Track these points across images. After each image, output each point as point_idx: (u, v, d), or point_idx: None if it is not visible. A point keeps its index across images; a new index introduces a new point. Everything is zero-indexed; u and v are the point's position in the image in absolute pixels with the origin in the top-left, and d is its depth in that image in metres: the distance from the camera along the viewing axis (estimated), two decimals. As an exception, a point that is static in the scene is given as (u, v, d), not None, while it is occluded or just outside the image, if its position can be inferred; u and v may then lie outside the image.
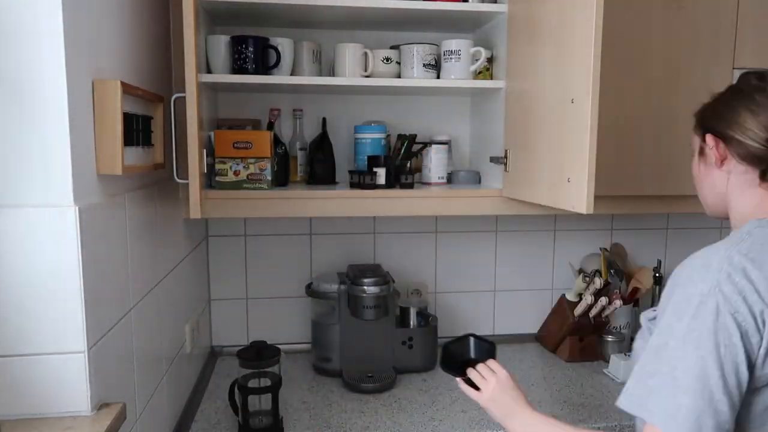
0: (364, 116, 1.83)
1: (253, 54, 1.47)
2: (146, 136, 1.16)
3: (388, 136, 1.74)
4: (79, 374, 0.88)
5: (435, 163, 1.68)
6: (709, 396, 0.78)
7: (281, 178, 1.60)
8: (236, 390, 1.38)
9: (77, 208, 0.86)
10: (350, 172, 1.64)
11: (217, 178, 1.47)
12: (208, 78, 1.45)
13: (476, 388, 1.14)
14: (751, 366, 0.80)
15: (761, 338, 0.79)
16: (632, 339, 1.43)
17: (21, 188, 0.85)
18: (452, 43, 1.55)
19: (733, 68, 1.60)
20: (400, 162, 1.65)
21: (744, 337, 0.79)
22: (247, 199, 1.47)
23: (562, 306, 1.84)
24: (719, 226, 2.11)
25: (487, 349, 1.23)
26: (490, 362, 1.16)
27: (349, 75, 1.55)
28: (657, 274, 1.83)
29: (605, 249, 1.90)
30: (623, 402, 0.87)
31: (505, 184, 1.53)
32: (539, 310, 1.98)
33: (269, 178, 1.48)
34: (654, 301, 1.82)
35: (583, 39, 1.13)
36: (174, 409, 1.43)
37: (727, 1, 1.58)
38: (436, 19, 1.62)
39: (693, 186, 1.03)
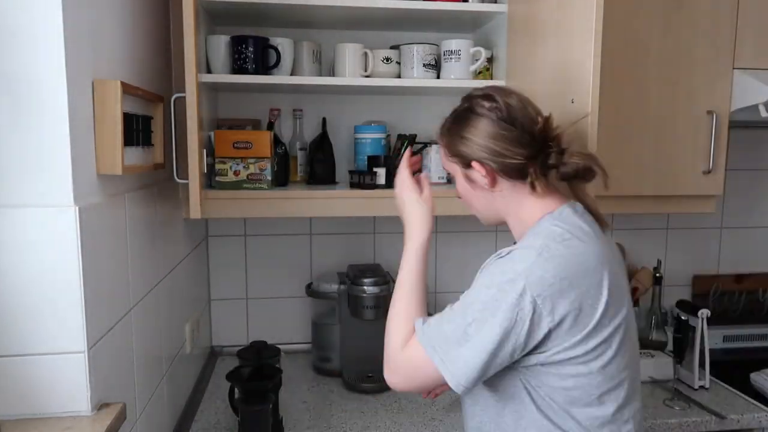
0: (364, 116, 1.83)
1: (253, 54, 1.47)
2: (146, 136, 1.16)
3: (388, 136, 1.74)
4: (79, 374, 0.88)
5: (435, 163, 1.67)
6: (485, 357, 0.88)
7: (281, 178, 1.60)
8: (236, 390, 1.38)
9: (77, 208, 0.86)
10: (350, 172, 1.64)
11: (217, 178, 1.47)
12: (208, 78, 1.45)
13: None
14: (528, 346, 0.89)
15: (551, 320, 0.87)
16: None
17: (21, 188, 0.85)
18: (452, 43, 1.55)
19: (733, 68, 1.60)
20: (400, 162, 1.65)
21: (534, 318, 0.87)
22: (247, 199, 1.47)
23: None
24: (719, 226, 2.11)
25: None
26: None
27: (349, 75, 1.55)
28: (657, 274, 1.83)
29: (605, 249, 1.89)
30: (419, 331, 0.96)
31: (505, 184, 1.53)
32: (539, 310, 1.97)
33: (269, 178, 1.48)
34: (654, 300, 1.82)
35: (583, 39, 1.12)
36: (174, 409, 1.43)
37: (727, 1, 1.58)
38: (436, 19, 1.62)
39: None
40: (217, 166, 1.47)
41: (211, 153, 1.46)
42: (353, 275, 1.69)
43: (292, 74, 1.55)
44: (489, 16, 1.60)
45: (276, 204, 1.48)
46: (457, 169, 1.04)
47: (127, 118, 1.02)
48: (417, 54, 1.56)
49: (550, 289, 0.86)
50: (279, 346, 1.56)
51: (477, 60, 1.57)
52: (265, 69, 1.49)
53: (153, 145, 1.21)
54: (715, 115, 1.59)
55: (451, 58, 1.56)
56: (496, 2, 1.57)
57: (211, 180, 1.48)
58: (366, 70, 1.57)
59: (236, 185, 1.47)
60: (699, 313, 1.67)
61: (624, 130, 1.58)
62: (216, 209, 1.45)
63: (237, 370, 1.38)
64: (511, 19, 1.50)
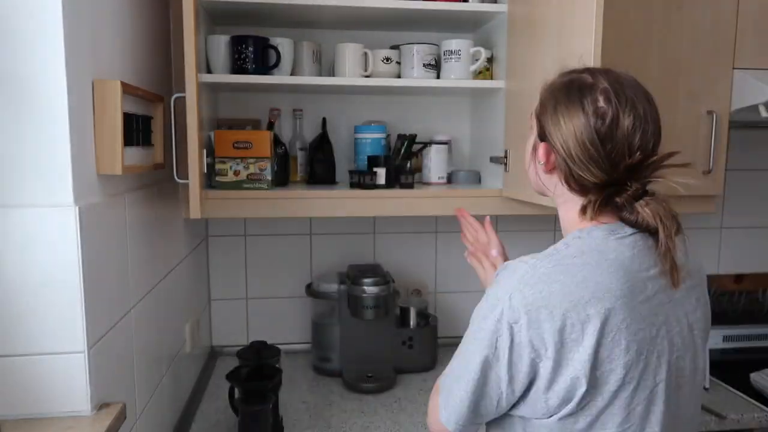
0: (364, 116, 1.83)
1: (253, 54, 1.47)
2: (146, 136, 1.16)
3: (388, 136, 1.74)
4: (79, 374, 0.88)
5: (435, 163, 1.68)
6: (470, 390, 0.83)
7: (281, 178, 1.60)
8: (236, 390, 1.38)
9: (77, 208, 0.86)
10: (350, 172, 1.64)
11: (217, 178, 1.47)
12: (208, 78, 1.45)
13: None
14: (516, 381, 0.81)
15: (531, 351, 0.79)
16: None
17: (21, 188, 0.85)
18: (452, 43, 1.55)
19: (733, 68, 1.60)
20: (400, 162, 1.65)
21: (513, 347, 0.79)
22: (247, 199, 1.47)
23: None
24: (719, 226, 2.11)
25: None
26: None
27: (349, 75, 1.55)
28: (657, 274, 1.83)
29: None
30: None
31: (506, 184, 1.53)
32: (539, 310, 1.98)
33: (269, 178, 1.48)
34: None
35: (583, 39, 1.13)
36: (174, 409, 1.43)
37: (727, 1, 1.58)
38: (436, 19, 1.62)
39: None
40: (217, 166, 1.47)
41: (211, 153, 1.46)
42: (353, 275, 1.69)
43: (292, 74, 1.55)
44: (489, 16, 1.60)
45: (276, 204, 1.48)
46: (534, 131, 0.93)
47: (127, 118, 1.02)
48: (417, 54, 1.56)
49: (527, 316, 0.78)
50: (279, 346, 1.56)
51: (477, 60, 1.57)
52: (265, 69, 1.49)
53: (153, 145, 1.21)
54: (715, 115, 1.59)
55: (451, 58, 1.56)
56: (496, 2, 1.57)
57: (211, 180, 1.48)
58: (366, 70, 1.57)
59: (236, 185, 1.47)
60: (699, 313, 1.67)
61: (624, 130, 1.58)
62: (216, 209, 1.45)
63: (237, 370, 1.38)
64: (511, 19, 1.50)
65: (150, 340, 1.23)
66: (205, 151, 1.26)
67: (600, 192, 0.84)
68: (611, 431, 0.79)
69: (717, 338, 2.01)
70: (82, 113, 0.90)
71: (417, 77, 1.57)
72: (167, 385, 1.36)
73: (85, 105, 0.91)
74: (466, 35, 1.77)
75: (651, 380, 0.80)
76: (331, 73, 1.62)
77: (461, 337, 0.90)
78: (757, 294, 2.12)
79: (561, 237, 0.92)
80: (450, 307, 1.96)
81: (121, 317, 1.05)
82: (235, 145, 1.46)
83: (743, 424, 1.53)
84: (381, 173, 1.56)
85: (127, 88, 1.00)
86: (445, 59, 1.57)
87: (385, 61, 1.58)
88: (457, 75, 1.56)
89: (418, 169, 1.72)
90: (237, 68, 1.48)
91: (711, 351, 1.68)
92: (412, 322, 1.76)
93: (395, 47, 1.61)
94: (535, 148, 0.93)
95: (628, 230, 0.84)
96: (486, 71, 1.64)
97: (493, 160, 1.59)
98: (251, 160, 1.47)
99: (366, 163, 1.62)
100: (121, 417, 0.92)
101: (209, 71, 1.50)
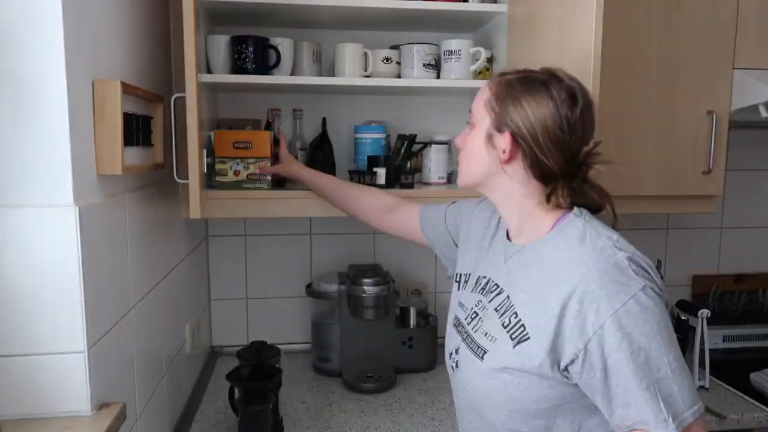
0: (364, 116, 1.82)
1: (253, 54, 1.47)
2: (146, 136, 1.16)
3: (388, 136, 1.74)
4: (79, 374, 0.88)
5: (435, 162, 1.68)
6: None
7: (281, 178, 1.60)
8: (236, 390, 1.38)
9: (77, 208, 0.86)
10: (350, 172, 1.64)
11: (217, 178, 1.47)
12: (208, 78, 1.45)
13: None
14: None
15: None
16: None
17: (21, 188, 0.85)
18: (452, 43, 1.55)
19: (733, 68, 1.60)
20: (400, 162, 1.65)
21: None
22: (247, 199, 1.47)
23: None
24: (719, 226, 2.11)
25: None
26: None
27: (349, 75, 1.55)
28: (657, 274, 1.83)
29: (605, 249, 1.89)
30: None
31: (505, 184, 1.53)
32: (539, 310, 1.97)
33: (269, 178, 1.48)
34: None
35: (583, 39, 1.13)
36: (174, 409, 1.43)
37: (727, 1, 1.58)
38: (436, 19, 1.62)
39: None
40: (217, 166, 1.47)
41: (211, 153, 1.46)
42: (353, 275, 1.69)
43: (292, 74, 1.55)
44: (489, 16, 1.60)
45: (276, 204, 1.48)
46: (485, 122, 0.94)
47: (127, 118, 1.02)
48: (417, 54, 1.56)
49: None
50: (279, 346, 1.56)
51: (477, 60, 1.57)
52: (265, 69, 1.49)
53: (153, 145, 1.21)
54: (715, 115, 1.59)
55: (451, 58, 1.56)
56: (496, 2, 1.57)
57: (211, 180, 1.48)
58: (366, 70, 1.57)
59: (236, 185, 1.47)
60: (699, 313, 1.67)
61: (624, 130, 1.58)
62: (216, 209, 1.45)
63: (237, 370, 1.38)
64: (511, 19, 1.50)
65: (150, 340, 1.23)
66: (205, 151, 1.26)
67: (561, 179, 0.90)
68: None
69: (717, 338, 2.01)
70: (82, 113, 0.90)
71: (417, 77, 1.57)
72: (167, 385, 1.36)
73: (85, 105, 0.91)
74: (466, 35, 1.77)
75: None
76: (331, 73, 1.62)
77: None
78: (757, 294, 2.12)
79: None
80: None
81: (121, 317, 1.05)
82: (235, 145, 1.46)
83: (743, 424, 1.53)
84: (381, 173, 1.55)
85: (127, 88, 1.00)
86: (445, 59, 1.57)
87: (385, 61, 1.58)
88: (457, 75, 1.56)
89: (418, 169, 1.72)
90: (237, 68, 1.48)
91: (711, 351, 1.68)
92: (412, 322, 1.76)
93: (395, 47, 1.61)
94: (490, 139, 0.94)
95: (585, 210, 0.93)
96: (486, 71, 1.64)
97: (493, 160, 1.59)
98: (251, 160, 1.47)
99: (366, 163, 1.62)
100: (121, 417, 0.92)
101: (209, 71, 1.50)
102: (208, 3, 1.46)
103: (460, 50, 1.55)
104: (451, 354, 1.06)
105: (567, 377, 0.85)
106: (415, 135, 1.70)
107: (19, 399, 0.87)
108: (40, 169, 0.85)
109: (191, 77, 1.15)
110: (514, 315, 0.90)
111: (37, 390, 0.87)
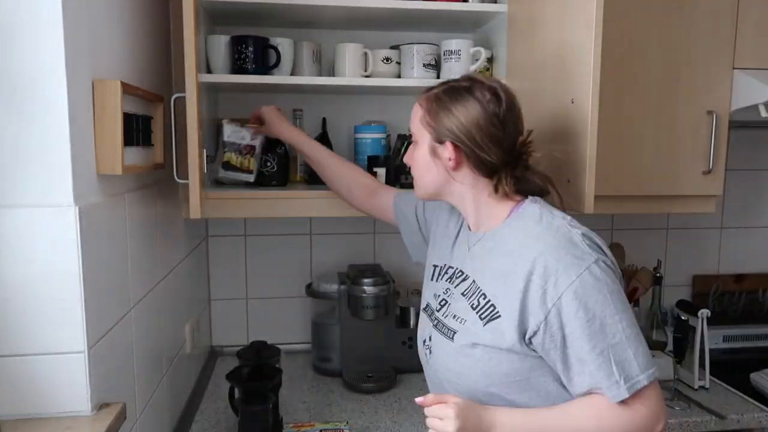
0: (364, 116, 1.83)
1: (253, 54, 1.47)
2: (146, 136, 1.16)
3: (388, 136, 1.74)
4: (79, 374, 0.88)
5: (435, 163, 1.67)
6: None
7: (281, 178, 1.60)
8: (236, 390, 1.38)
9: (77, 208, 0.86)
10: (350, 172, 1.64)
11: (222, 170, 1.49)
12: (208, 78, 1.45)
13: None
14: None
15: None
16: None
17: (21, 188, 0.85)
18: (452, 43, 1.55)
19: (733, 68, 1.60)
20: (400, 162, 1.65)
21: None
22: (247, 199, 1.47)
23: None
24: (719, 226, 2.11)
25: None
26: (435, 396, 0.94)
27: (349, 75, 1.55)
28: (657, 274, 1.82)
29: (605, 249, 1.89)
30: (619, 388, 0.88)
31: (505, 184, 1.53)
32: (539, 310, 1.97)
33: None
34: (654, 300, 1.82)
35: (583, 39, 1.12)
36: (174, 409, 1.43)
37: (727, 1, 1.58)
38: (436, 19, 1.62)
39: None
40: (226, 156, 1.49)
41: (215, 149, 1.46)
42: (353, 275, 1.69)
43: (292, 74, 1.55)
44: (489, 16, 1.59)
45: (276, 204, 1.48)
46: (425, 138, 1.02)
47: (127, 118, 1.02)
48: (417, 54, 1.56)
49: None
50: (279, 346, 1.56)
51: (477, 60, 1.57)
52: (265, 69, 1.49)
53: (153, 145, 1.21)
54: (715, 115, 1.59)
55: (451, 58, 1.56)
56: (496, 2, 1.57)
57: (210, 180, 1.48)
58: (366, 70, 1.57)
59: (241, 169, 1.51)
60: (699, 313, 1.67)
61: (624, 130, 1.58)
62: (216, 209, 1.45)
63: (237, 370, 1.38)
64: (511, 19, 1.50)
65: (150, 340, 1.23)
66: (205, 151, 1.26)
67: (504, 170, 0.98)
68: None
69: (717, 338, 2.01)
70: (82, 113, 0.90)
71: (417, 77, 1.57)
72: (167, 385, 1.36)
73: (85, 105, 0.91)
74: (466, 35, 1.77)
75: None
76: (331, 73, 1.62)
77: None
78: (757, 294, 2.12)
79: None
80: (450, 307, 1.95)
81: (121, 317, 1.05)
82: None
83: (743, 424, 1.53)
84: (381, 173, 1.55)
85: (127, 88, 1.00)
86: (445, 59, 1.57)
87: (385, 61, 1.58)
88: (457, 75, 1.55)
89: (418, 169, 1.72)
90: (237, 68, 1.48)
91: (711, 351, 1.68)
92: (412, 322, 1.76)
93: (395, 47, 1.61)
94: (434, 152, 1.01)
95: (539, 198, 1.02)
96: (486, 71, 1.64)
97: (493, 160, 1.59)
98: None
99: (366, 163, 1.62)
100: (121, 417, 0.92)
101: (209, 71, 1.50)
102: (208, 3, 1.46)
103: (460, 50, 1.54)
104: (424, 341, 1.09)
105: (534, 350, 0.91)
106: (415, 135, 1.70)
107: (19, 399, 0.87)
108: (40, 169, 0.85)
109: (191, 77, 1.15)
110: (483, 296, 0.96)
111: (37, 390, 0.87)
